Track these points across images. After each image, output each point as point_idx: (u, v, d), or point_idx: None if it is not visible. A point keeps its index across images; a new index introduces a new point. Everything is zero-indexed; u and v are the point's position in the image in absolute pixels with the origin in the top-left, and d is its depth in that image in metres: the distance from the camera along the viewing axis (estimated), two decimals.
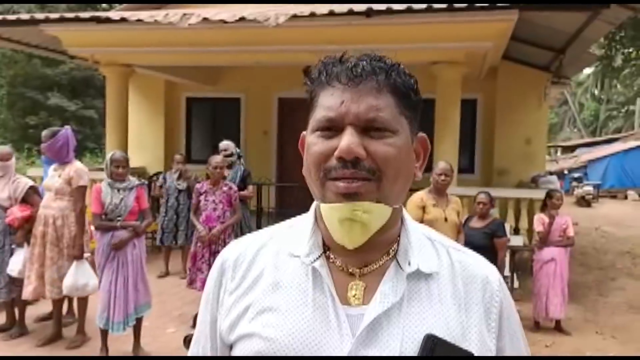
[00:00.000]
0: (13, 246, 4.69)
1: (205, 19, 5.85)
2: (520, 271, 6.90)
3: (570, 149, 27.21)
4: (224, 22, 5.86)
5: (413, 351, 0.79)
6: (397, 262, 0.86)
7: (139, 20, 6.15)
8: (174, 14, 6.08)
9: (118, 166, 4.33)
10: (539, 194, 7.25)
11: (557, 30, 7.09)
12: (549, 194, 5.69)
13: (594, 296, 6.89)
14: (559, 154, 28.38)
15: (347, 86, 0.82)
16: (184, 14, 5.96)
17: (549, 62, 8.97)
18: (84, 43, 7.39)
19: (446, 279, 0.87)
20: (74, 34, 7.23)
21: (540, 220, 5.57)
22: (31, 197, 4.76)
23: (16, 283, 4.69)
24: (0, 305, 5.07)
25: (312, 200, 0.91)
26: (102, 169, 7.60)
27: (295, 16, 5.66)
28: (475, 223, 4.82)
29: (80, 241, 4.48)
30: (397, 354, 0.79)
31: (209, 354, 0.94)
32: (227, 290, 0.91)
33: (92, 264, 4.51)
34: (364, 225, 0.81)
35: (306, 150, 0.86)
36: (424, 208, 4.41)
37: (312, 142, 0.84)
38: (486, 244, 4.67)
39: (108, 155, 4.63)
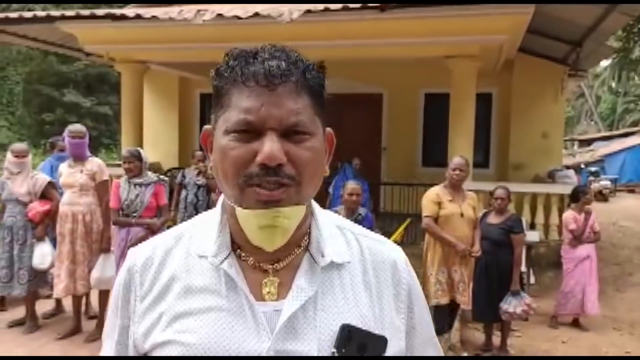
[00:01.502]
0: (33, 240, 4.78)
1: (219, 15, 5.87)
2: (537, 267, 6.84)
3: (587, 142, 26.86)
4: (238, 17, 5.87)
5: (330, 342, 0.81)
6: (311, 254, 0.87)
7: (153, 17, 6.18)
8: (188, 10, 6.10)
9: (124, 162, 4.42)
10: (556, 189, 7.18)
11: (574, 22, 6.99)
12: (584, 191, 5.70)
13: (612, 292, 6.81)
14: (575, 147, 28.02)
15: (265, 88, 0.79)
16: (198, 11, 5.98)
17: (566, 54, 8.85)
18: (99, 40, 7.46)
19: (357, 267, 0.89)
20: (90, 31, 7.30)
21: (573, 218, 5.52)
22: (50, 192, 4.84)
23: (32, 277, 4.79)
24: (19, 300, 5.15)
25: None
26: (115, 165, 7.67)
27: (309, 11, 5.65)
28: (493, 219, 4.77)
29: (107, 234, 4.58)
30: (315, 347, 0.81)
31: None
32: (137, 296, 0.88)
33: None
34: (284, 230, 0.81)
35: (219, 152, 0.81)
36: (439, 203, 4.40)
37: (228, 146, 0.80)
38: (503, 239, 4.63)
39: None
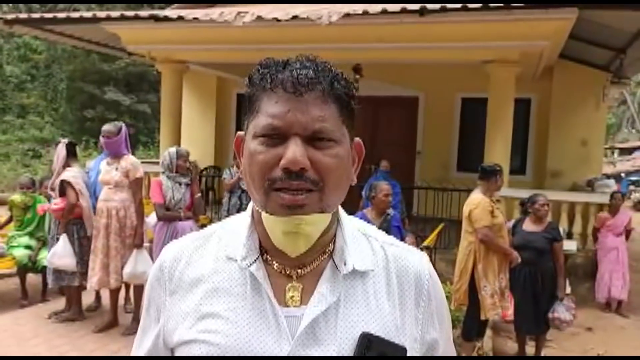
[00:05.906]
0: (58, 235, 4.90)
1: (259, 17, 5.94)
2: (573, 277, 6.67)
3: (628, 151, 26.07)
4: (278, 20, 5.93)
5: (350, 349, 0.82)
6: (334, 262, 0.87)
7: (195, 19, 6.31)
8: (228, 12, 6.20)
9: (186, 160, 4.63)
10: (596, 198, 7.00)
11: (618, 29, 6.80)
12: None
13: None
14: (615, 156, 27.22)
15: (292, 94, 0.81)
16: (239, 13, 6.07)
17: (609, 61, 8.61)
18: (142, 40, 7.66)
19: (381, 275, 0.89)
20: (133, 32, 7.50)
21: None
22: (67, 190, 4.83)
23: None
24: (62, 290, 5.34)
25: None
26: (153, 162, 7.76)
27: (348, 14, 5.67)
28: (531, 226, 4.66)
29: (140, 230, 4.70)
30: (334, 353, 0.81)
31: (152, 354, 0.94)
32: (167, 291, 0.91)
33: (151, 253, 4.72)
34: (307, 236, 0.83)
35: (248, 157, 0.84)
36: (491, 212, 4.31)
37: (256, 150, 0.82)
38: (547, 247, 4.55)
39: (171, 150, 4.82)
